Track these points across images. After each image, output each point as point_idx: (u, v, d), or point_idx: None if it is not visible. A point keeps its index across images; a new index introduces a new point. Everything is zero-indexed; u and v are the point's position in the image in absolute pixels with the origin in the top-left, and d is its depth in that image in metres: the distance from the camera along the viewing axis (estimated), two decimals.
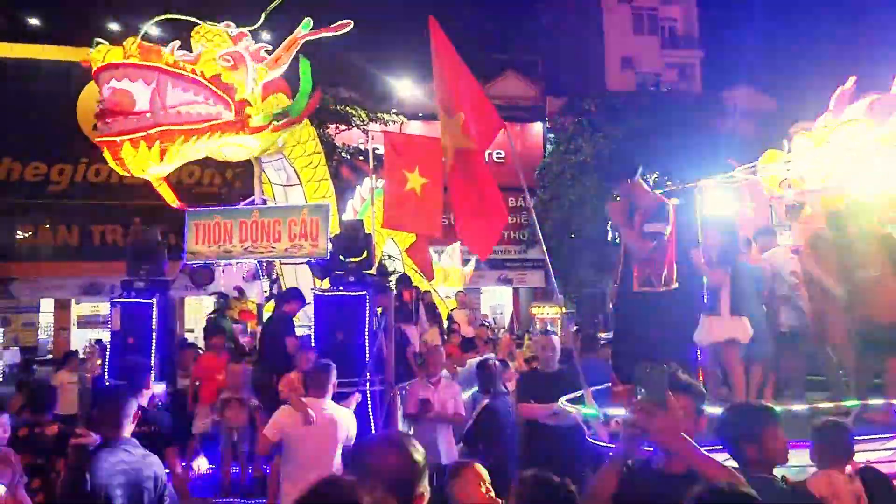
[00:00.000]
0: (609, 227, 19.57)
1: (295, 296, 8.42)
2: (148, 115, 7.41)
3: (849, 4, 26.87)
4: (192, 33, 8.01)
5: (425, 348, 6.30)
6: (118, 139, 7.37)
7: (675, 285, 5.72)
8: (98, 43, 7.59)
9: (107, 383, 7.80)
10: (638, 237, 5.55)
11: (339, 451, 4.92)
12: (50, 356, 20.49)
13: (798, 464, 3.55)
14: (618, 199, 5.95)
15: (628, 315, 5.87)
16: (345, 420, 5.01)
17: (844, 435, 3.75)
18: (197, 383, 8.13)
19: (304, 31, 8.37)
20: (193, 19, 8.09)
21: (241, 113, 7.84)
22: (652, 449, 2.65)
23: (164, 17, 8.12)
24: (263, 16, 8.31)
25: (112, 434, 3.51)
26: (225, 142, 7.96)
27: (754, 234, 7.23)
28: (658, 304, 5.59)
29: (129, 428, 3.59)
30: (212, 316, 10.54)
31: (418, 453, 2.01)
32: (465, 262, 17.78)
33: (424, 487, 1.98)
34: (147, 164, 7.54)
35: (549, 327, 19.45)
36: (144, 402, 4.86)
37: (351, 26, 8.41)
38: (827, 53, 23.32)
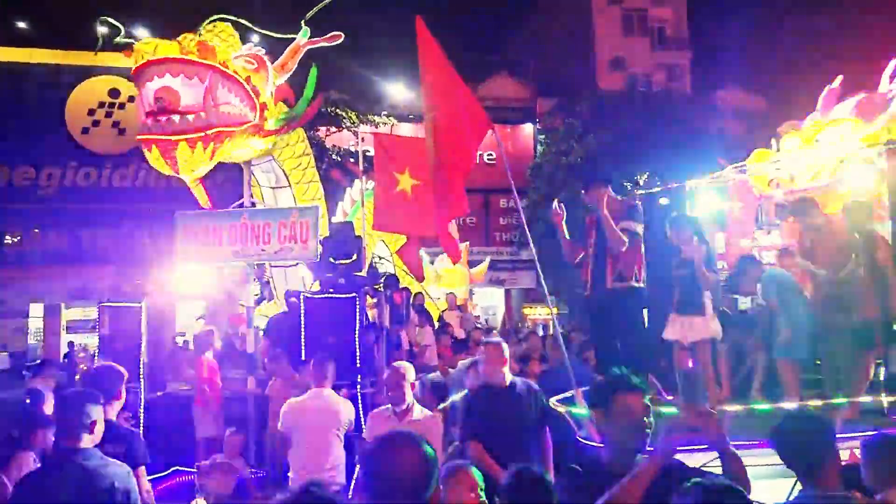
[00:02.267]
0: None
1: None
2: (202, 114, 7.28)
3: (837, 5, 27.03)
4: (204, 31, 7.84)
5: (396, 371, 4.96)
6: (174, 138, 7.21)
7: (642, 285, 5.97)
8: (131, 40, 7.40)
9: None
10: (616, 232, 5.91)
11: (340, 436, 5.45)
12: (39, 361, 20.32)
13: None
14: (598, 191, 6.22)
15: (604, 311, 6.22)
16: (343, 407, 5.55)
17: None
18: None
19: (305, 38, 8.36)
20: (243, 21, 8.01)
21: (262, 116, 7.82)
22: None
23: (217, 17, 7.92)
24: (303, 21, 8.28)
25: (68, 443, 3.28)
26: (242, 143, 7.91)
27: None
28: (629, 298, 5.99)
29: (89, 438, 3.32)
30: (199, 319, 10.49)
31: (430, 447, 1.99)
32: (476, 262, 17.85)
33: (437, 480, 1.98)
34: (199, 164, 7.39)
35: (540, 329, 19.45)
36: (113, 415, 4.17)
37: (342, 38, 8.42)
38: (815, 53, 23.44)
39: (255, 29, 8.12)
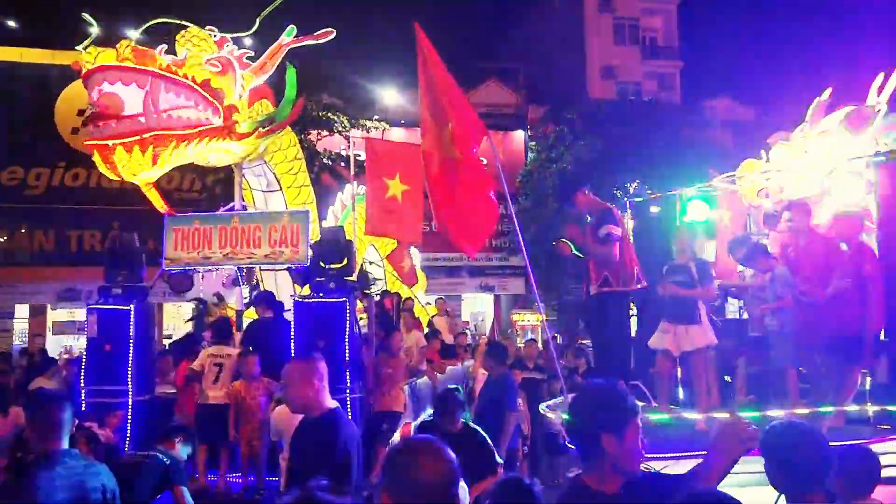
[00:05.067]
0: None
1: (272, 301, 8.53)
2: (141, 118, 7.36)
3: (826, 16, 27.35)
4: (178, 37, 7.95)
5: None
6: (110, 143, 7.29)
7: (640, 285, 6.06)
8: (87, 44, 7.51)
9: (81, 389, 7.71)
10: (598, 244, 6.15)
11: None
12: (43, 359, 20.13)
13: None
14: (570, 221, 6.79)
15: (592, 316, 6.54)
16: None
17: (872, 462, 3.35)
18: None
19: (289, 38, 8.35)
20: (185, 23, 8.02)
21: (229, 119, 7.81)
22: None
23: (157, 21, 8.02)
24: (258, 21, 8.27)
25: (48, 446, 3.14)
26: (212, 147, 7.93)
27: None
28: (611, 304, 6.20)
29: (67, 438, 3.19)
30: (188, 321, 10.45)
31: (451, 453, 1.93)
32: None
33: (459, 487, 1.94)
34: (139, 169, 7.47)
35: (530, 335, 19.45)
36: None
37: (333, 34, 8.40)
38: (804, 64, 23.69)
39: (218, 31, 8.09)
